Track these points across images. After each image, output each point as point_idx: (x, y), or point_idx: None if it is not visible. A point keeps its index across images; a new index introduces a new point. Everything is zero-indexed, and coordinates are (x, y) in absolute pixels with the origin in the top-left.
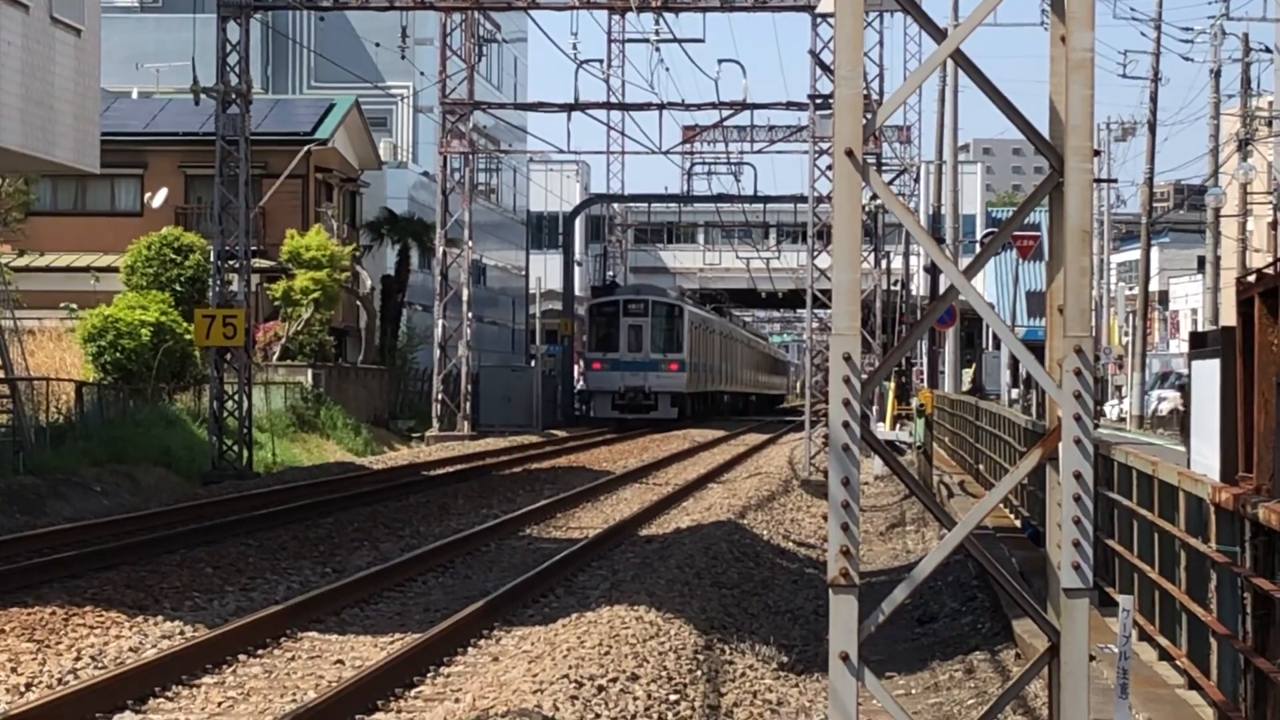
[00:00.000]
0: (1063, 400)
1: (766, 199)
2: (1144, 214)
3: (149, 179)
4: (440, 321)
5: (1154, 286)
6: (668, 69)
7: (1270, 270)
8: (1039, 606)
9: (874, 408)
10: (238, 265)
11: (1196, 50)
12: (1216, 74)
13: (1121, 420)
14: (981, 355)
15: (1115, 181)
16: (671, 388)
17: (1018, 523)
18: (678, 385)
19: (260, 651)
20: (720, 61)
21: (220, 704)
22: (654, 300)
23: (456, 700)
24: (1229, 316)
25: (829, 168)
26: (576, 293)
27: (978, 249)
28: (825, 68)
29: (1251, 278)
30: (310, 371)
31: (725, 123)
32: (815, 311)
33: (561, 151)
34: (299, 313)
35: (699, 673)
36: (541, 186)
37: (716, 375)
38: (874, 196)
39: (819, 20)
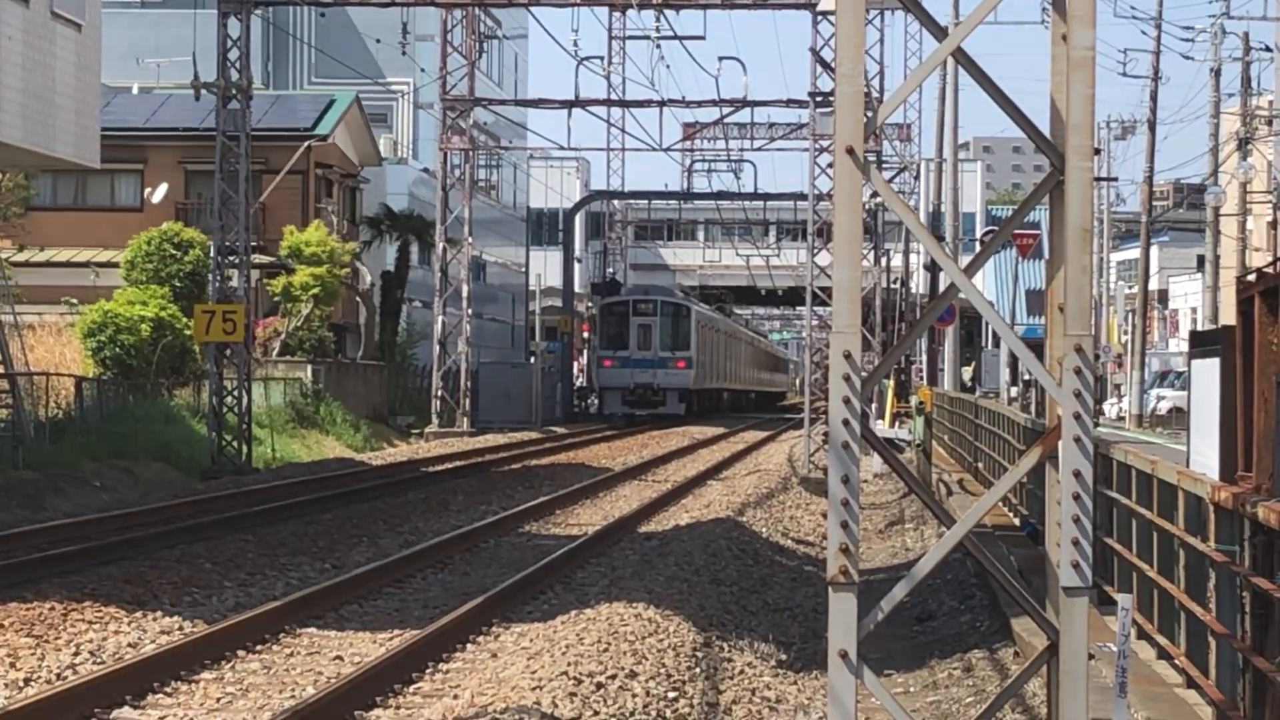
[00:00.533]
0: (1063, 399)
1: (766, 196)
2: (1144, 213)
3: (149, 174)
4: (440, 318)
5: (1153, 285)
6: (668, 66)
7: (1270, 269)
8: (1038, 605)
9: (873, 405)
10: (237, 261)
11: (1197, 49)
12: (1216, 73)
13: (1121, 419)
14: (981, 353)
15: (1115, 180)
16: (679, 384)
17: (1016, 521)
18: (685, 382)
19: (259, 647)
20: (721, 59)
21: (219, 700)
22: (663, 300)
23: (455, 697)
24: (1228, 315)
25: (829, 165)
26: (576, 289)
27: (977, 247)
28: (826, 65)
29: (1251, 277)
30: (310, 367)
31: (725, 120)
32: (815, 309)
33: (562, 148)
34: (299, 308)
35: (698, 670)
36: (542, 183)
37: (722, 373)
38: (874, 194)
39: (820, 18)
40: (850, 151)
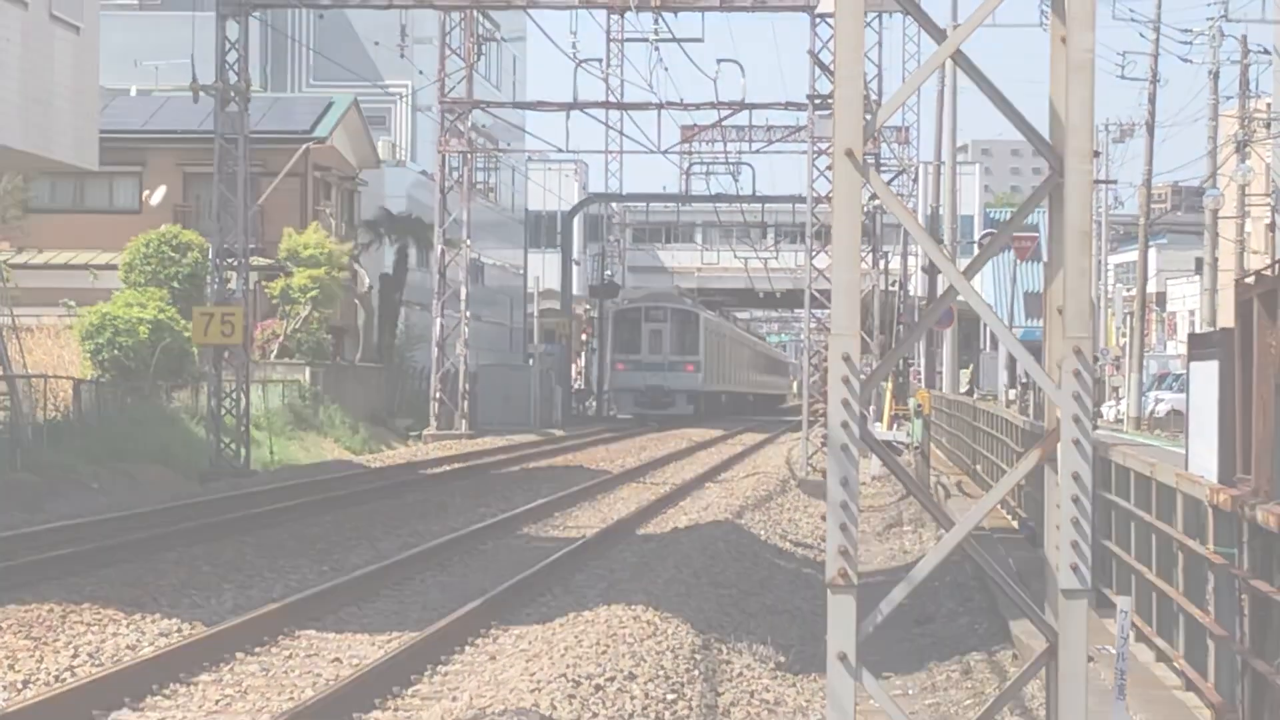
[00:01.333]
0: (1062, 401)
1: (765, 199)
2: (1142, 215)
3: (147, 177)
4: (438, 320)
5: (1152, 288)
6: (666, 69)
7: (1268, 272)
8: (1037, 607)
9: (870, 408)
10: (236, 263)
11: (1195, 52)
12: (1215, 75)
13: (1119, 421)
14: (979, 356)
15: (1114, 183)
16: (688, 387)
17: (1014, 523)
18: (694, 385)
19: (258, 650)
20: (719, 61)
21: (218, 702)
22: (673, 307)
23: (454, 699)
24: (1226, 318)
25: (828, 168)
26: (575, 292)
27: (975, 250)
28: (824, 68)
29: (1250, 279)
30: (308, 370)
31: (724, 122)
32: (813, 311)
33: (560, 151)
34: (297, 311)
35: (696, 672)
36: (540, 185)
37: (728, 376)
38: (873, 196)
39: (818, 20)
40: (849, 154)
